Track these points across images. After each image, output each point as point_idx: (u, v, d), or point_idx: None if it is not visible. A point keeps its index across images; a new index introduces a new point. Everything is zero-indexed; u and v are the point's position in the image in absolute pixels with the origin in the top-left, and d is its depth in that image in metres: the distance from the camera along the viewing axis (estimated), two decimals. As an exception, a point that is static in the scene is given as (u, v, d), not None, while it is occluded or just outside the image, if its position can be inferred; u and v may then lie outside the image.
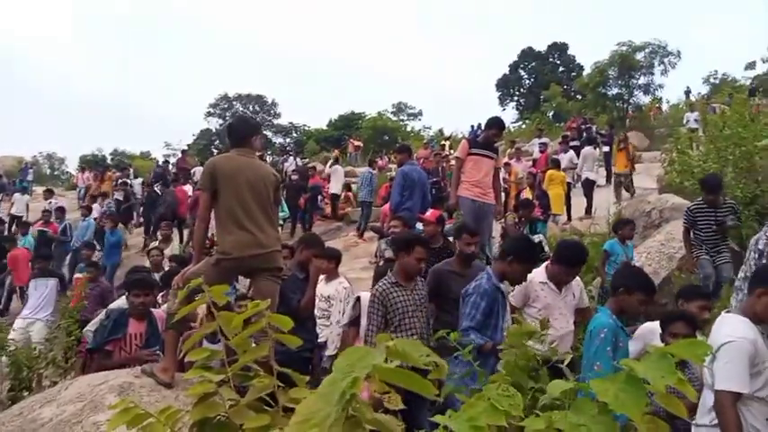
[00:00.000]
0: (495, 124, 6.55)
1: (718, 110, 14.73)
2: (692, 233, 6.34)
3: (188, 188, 14.56)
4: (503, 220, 7.85)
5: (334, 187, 15.28)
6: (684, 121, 16.84)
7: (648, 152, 19.18)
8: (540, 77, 41.41)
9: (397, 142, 18.17)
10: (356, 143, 27.61)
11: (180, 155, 23.71)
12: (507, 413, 1.50)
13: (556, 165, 12.16)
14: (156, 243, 9.16)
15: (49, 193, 16.63)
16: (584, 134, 16.46)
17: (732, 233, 6.55)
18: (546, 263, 4.11)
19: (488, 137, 6.55)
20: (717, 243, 6.23)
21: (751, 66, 36.65)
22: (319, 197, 15.27)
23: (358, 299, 4.77)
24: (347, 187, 16.58)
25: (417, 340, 4.02)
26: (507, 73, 44.88)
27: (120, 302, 4.76)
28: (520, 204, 8.57)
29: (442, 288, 4.45)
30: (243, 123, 4.18)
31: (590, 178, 12.40)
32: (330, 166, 15.67)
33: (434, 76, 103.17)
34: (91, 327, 4.51)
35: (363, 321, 4.40)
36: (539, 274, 3.99)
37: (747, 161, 7.20)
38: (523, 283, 3.90)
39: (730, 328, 2.74)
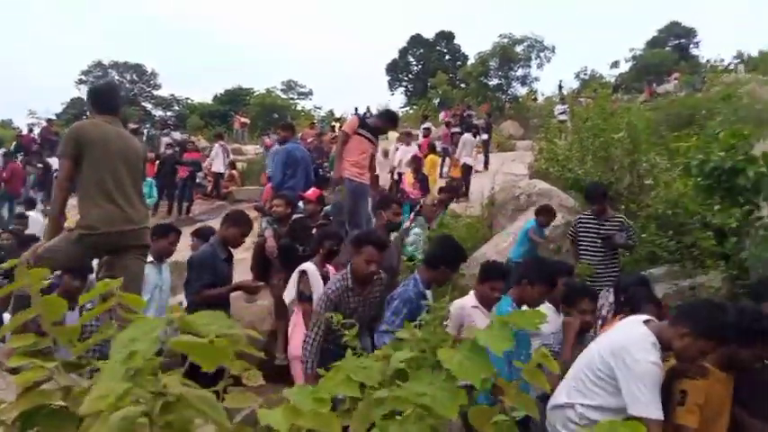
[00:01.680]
0: (390, 119, 6.78)
1: (584, 103, 15.94)
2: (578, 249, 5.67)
3: (54, 161, 13.33)
4: (421, 201, 7.96)
5: (217, 165, 14.72)
6: (556, 113, 18.06)
7: (523, 141, 20.44)
8: (428, 64, 42.51)
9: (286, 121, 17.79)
10: (243, 120, 26.74)
11: (45, 123, 21.62)
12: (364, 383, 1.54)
13: (433, 149, 12.73)
14: None
15: None
16: (465, 122, 17.12)
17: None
18: (473, 290, 3.84)
19: (377, 125, 6.51)
20: (604, 264, 5.47)
21: (615, 65, 40.35)
22: (200, 174, 14.63)
23: (303, 272, 4.39)
24: (232, 165, 16.03)
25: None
26: (397, 58, 45.57)
27: None
28: (445, 188, 8.97)
29: None
30: (111, 90, 3.85)
31: (468, 163, 13.05)
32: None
33: (327, 55, 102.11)
34: None
35: (316, 297, 4.13)
36: (469, 299, 3.76)
37: (605, 151, 7.82)
38: (457, 310, 3.64)
39: (649, 349, 2.55)
